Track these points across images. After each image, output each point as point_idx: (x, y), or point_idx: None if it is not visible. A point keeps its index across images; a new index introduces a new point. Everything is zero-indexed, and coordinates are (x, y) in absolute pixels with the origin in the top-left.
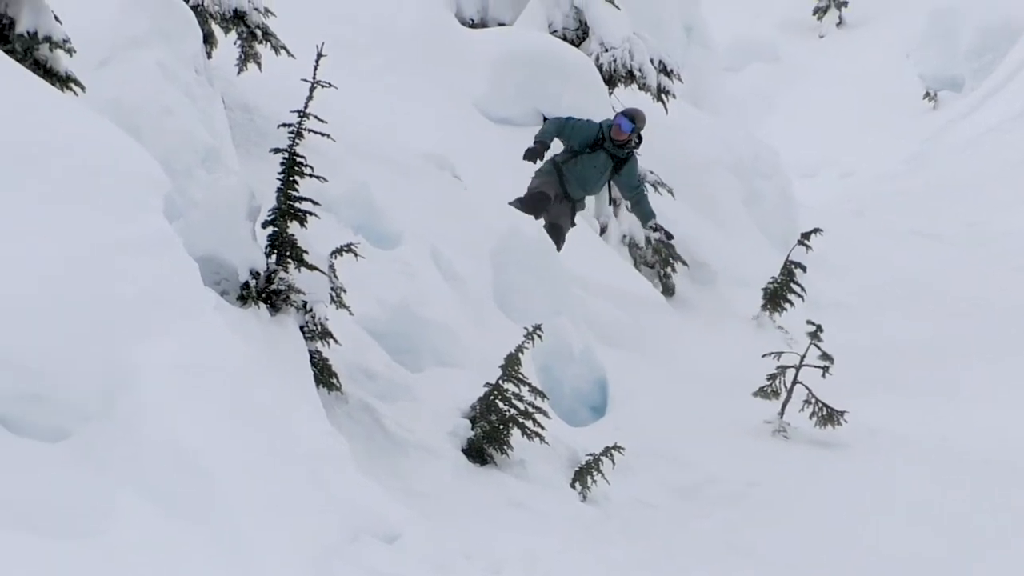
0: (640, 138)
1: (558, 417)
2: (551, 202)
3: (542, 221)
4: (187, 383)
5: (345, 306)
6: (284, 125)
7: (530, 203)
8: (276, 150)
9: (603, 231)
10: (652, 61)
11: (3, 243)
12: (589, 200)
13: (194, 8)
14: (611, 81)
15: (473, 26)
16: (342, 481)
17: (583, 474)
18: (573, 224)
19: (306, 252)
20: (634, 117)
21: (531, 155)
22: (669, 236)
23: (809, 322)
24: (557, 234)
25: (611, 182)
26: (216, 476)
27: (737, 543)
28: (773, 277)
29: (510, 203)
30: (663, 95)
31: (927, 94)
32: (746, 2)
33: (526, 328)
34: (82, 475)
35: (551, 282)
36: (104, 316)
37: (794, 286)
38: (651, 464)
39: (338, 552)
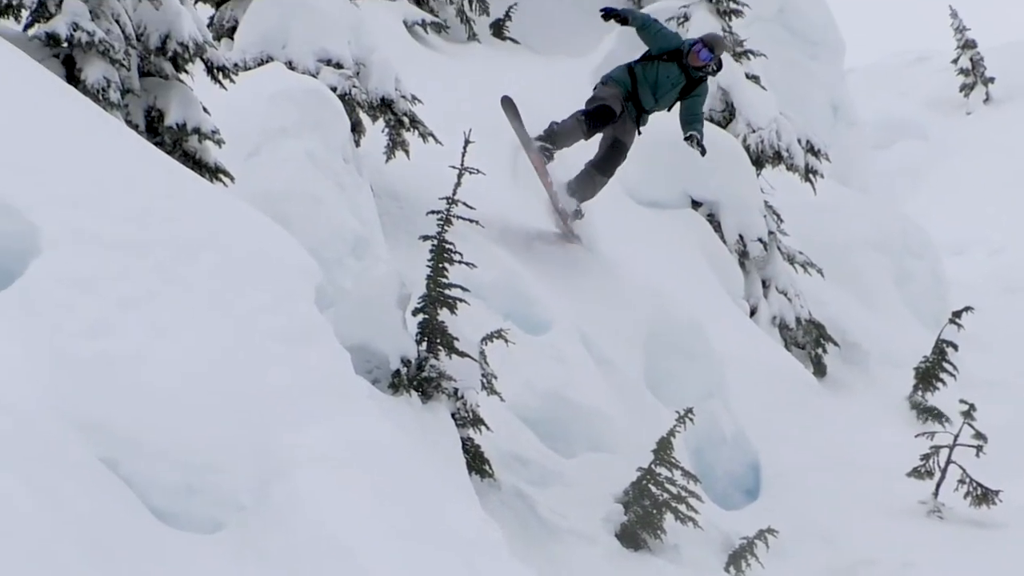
0: (719, 64)
1: (711, 500)
2: (616, 118)
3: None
4: (340, 472)
5: (496, 392)
6: (433, 212)
7: (595, 116)
8: (425, 237)
9: (753, 313)
10: (799, 141)
11: (157, 335)
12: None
13: (342, 97)
14: (758, 162)
15: None
16: (497, 568)
17: (737, 558)
18: (637, 135)
19: (456, 339)
20: (713, 45)
21: (611, 15)
22: (703, 151)
23: (962, 401)
24: (619, 151)
25: (679, 101)
26: (370, 566)
27: None
28: (925, 356)
29: (551, 124)
30: (811, 174)
31: None
32: (892, 80)
33: (678, 412)
34: (238, 567)
35: (702, 364)
36: (257, 406)
37: (946, 365)
38: (805, 546)
39: None
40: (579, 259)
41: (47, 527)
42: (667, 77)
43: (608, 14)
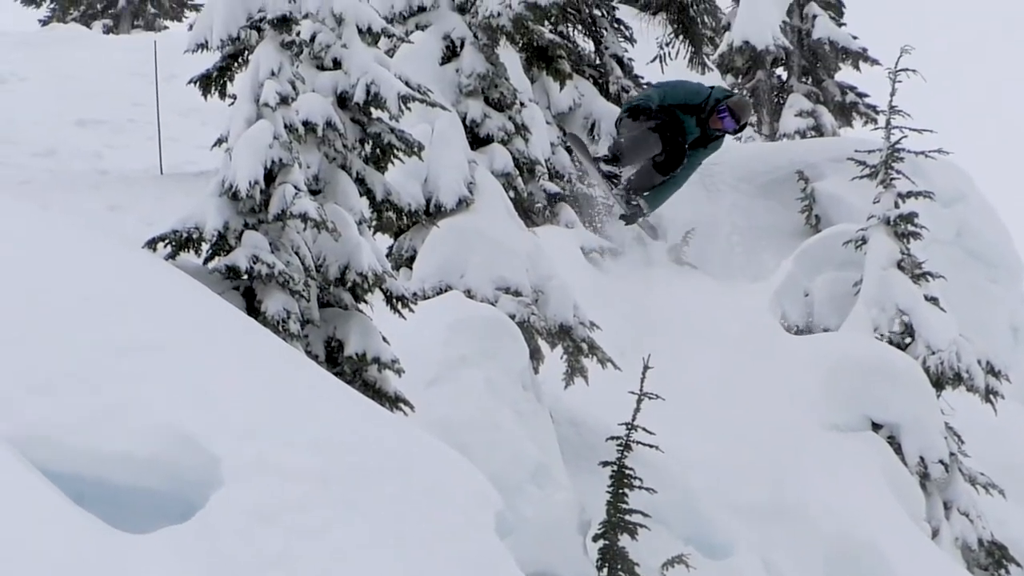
0: (743, 129)
1: None
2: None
3: None
4: None
5: None
6: (612, 438)
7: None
8: (605, 463)
9: (935, 535)
10: (979, 362)
11: (337, 568)
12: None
13: (520, 324)
14: (938, 383)
15: (798, 332)
16: None
17: None
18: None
19: (637, 564)
20: (740, 114)
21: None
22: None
23: None
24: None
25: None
26: None
27: None
28: None
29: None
30: (991, 395)
31: None
32: None
33: None
34: None
35: None
36: None
37: None
38: None
39: None
40: (759, 480)
41: None
42: (685, 127)
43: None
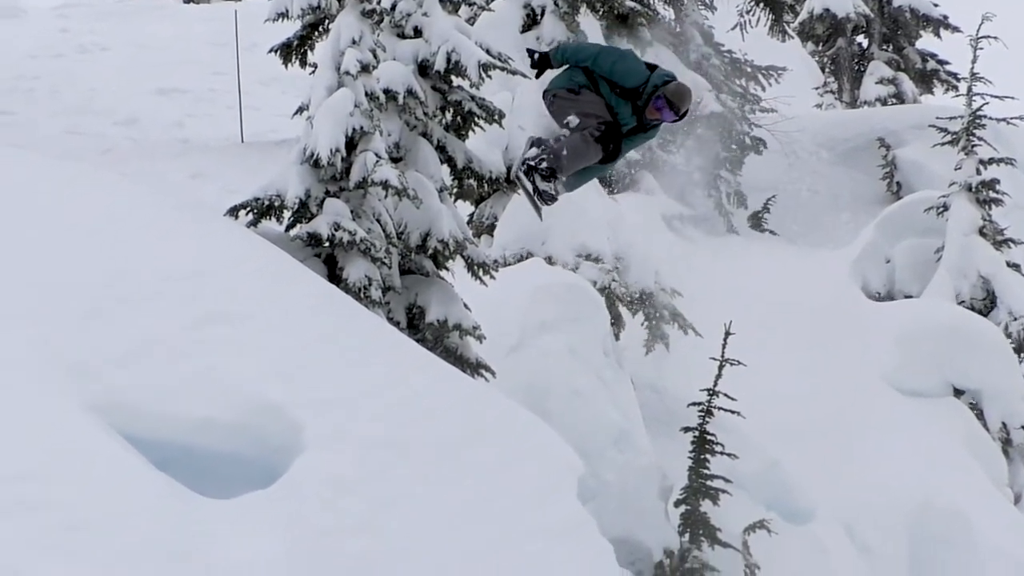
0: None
1: None
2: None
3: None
4: None
5: None
6: (694, 404)
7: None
8: (686, 429)
9: (1017, 500)
10: None
11: (418, 534)
12: None
13: (601, 291)
14: (1020, 349)
15: (880, 299)
16: None
17: None
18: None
19: (719, 529)
20: (678, 104)
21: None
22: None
23: None
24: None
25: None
26: None
27: None
28: None
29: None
30: None
31: None
32: None
33: None
34: None
35: (966, 553)
36: None
37: None
38: None
39: None
40: (839, 447)
41: None
42: (619, 110)
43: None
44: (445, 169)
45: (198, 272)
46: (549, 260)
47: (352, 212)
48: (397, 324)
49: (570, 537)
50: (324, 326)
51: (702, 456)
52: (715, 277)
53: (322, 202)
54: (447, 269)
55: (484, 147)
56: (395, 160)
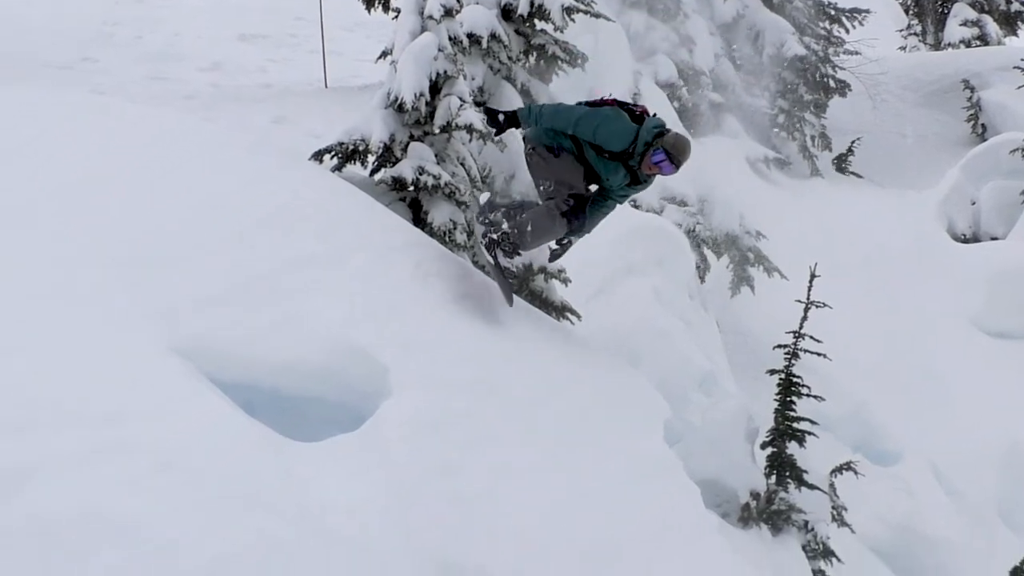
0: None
1: None
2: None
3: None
4: None
5: (847, 524)
6: (780, 346)
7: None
8: (772, 371)
9: None
10: None
11: (504, 476)
12: None
13: (686, 234)
14: None
15: (965, 240)
16: None
17: None
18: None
19: (805, 472)
20: (679, 158)
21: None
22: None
23: None
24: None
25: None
26: None
27: None
28: None
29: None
30: None
31: None
32: None
33: None
34: None
35: None
36: (606, 544)
37: None
38: None
39: None
40: (926, 388)
41: None
42: (610, 175)
43: (492, 119)
44: None
45: (285, 216)
46: (634, 203)
47: (436, 156)
48: (482, 268)
49: (657, 479)
50: (410, 269)
51: (788, 398)
52: (800, 219)
53: (406, 146)
54: None
55: (567, 90)
56: (479, 104)
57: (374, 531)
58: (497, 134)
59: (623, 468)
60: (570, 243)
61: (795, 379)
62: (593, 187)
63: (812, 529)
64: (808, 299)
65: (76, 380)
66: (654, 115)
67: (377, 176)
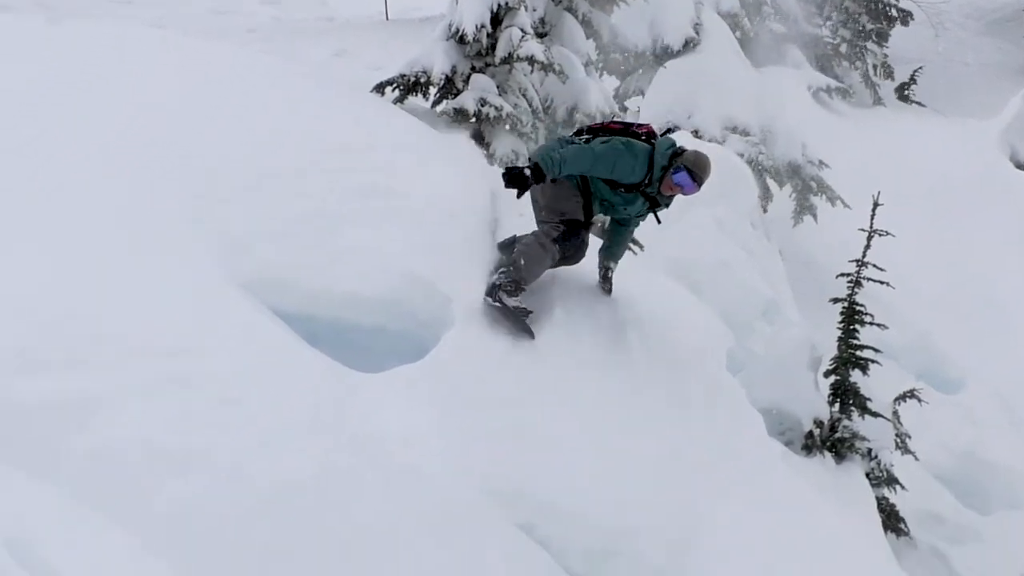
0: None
1: None
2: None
3: None
4: (758, 534)
5: (911, 452)
6: (843, 275)
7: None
8: (835, 300)
9: None
10: None
11: (565, 407)
12: None
13: (749, 164)
14: None
15: None
16: None
17: None
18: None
19: (869, 400)
20: (701, 175)
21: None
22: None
23: None
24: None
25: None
26: None
27: None
28: None
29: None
30: None
31: None
32: None
33: None
34: None
35: None
36: (674, 472)
37: None
38: None
39: None
40: (988, 317)
41: None
42: (626, 206)
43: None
44: (591, 43)
45: (350, 147)
46: (696, 133)
47: (498, 87)
48: None
49: (720, 406)
50: (473, 200)
51: (851, 327)
52: (862, 148)
53: (468, 78)
54: None
55: (629, 21)
56: (540, 35)
57: (434, 461)
58: (519, 195)
59: (687, 395)
60: (610, 270)
61: (858, 307)
62: (598, 217)
63: (876, 456)
64: (871, 228)
65: (140, 314)
66: (663, 134)
67: (439, 108)
